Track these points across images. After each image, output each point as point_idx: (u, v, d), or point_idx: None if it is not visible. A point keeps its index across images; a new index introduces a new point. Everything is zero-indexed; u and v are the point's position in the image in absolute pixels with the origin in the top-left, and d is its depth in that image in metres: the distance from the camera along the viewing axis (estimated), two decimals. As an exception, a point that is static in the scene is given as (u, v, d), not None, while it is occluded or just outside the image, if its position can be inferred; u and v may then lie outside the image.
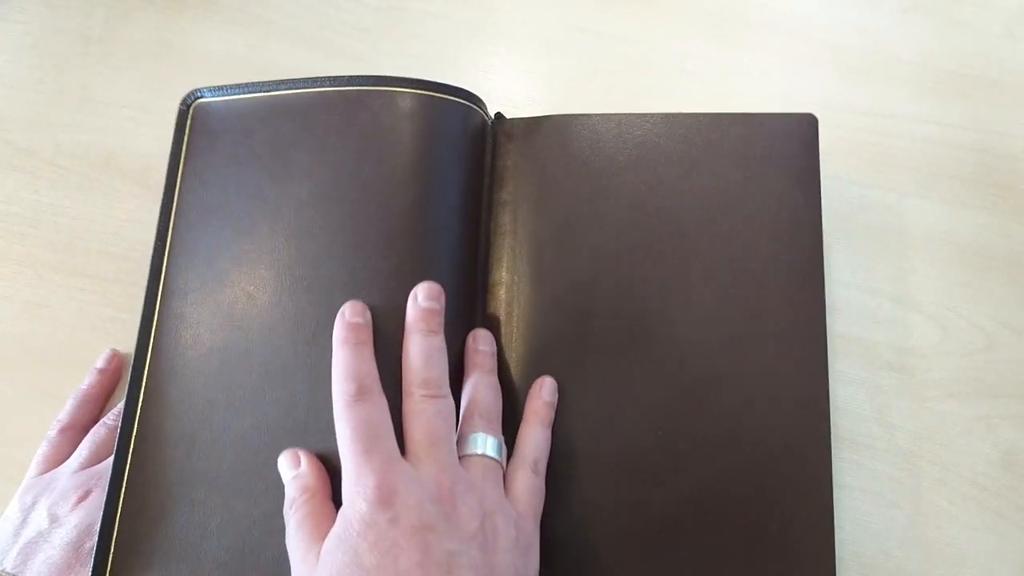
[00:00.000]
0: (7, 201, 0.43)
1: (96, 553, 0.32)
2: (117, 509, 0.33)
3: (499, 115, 0.41)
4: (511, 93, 0.42)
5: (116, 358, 0.40)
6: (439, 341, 0.32)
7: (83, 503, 0.34)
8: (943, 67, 0.48)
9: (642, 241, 0.38)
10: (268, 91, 0.39)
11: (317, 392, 0.33)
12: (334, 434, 0.31)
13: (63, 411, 0.38)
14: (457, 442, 0.32)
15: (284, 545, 0.31)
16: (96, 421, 0.38)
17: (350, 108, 0.37)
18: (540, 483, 0.33)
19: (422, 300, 0.33)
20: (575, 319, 0.37)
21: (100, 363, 0.39)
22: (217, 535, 0.32)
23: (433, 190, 0.36)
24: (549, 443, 0.34)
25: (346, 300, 0.34)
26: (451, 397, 0.32)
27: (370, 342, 0.32)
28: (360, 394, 0.30)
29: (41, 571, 0.32)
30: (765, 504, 0.34)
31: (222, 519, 0.32)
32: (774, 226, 0.37)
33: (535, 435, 0.33)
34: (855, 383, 0.40)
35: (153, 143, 0.42)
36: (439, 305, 0.33)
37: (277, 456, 0.33)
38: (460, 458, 0.31)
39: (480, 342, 0.35)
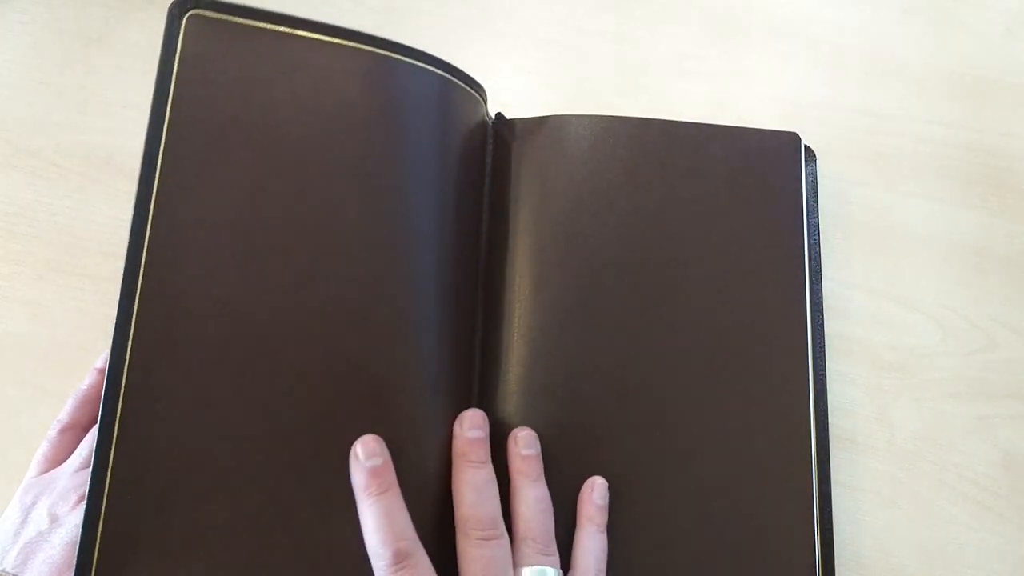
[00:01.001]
0: (7, 201, 0.43)
1: (78, 554, 0.30)
2: (102, 501, 0.30)
3: (499, 115, 0.41)
4: (511, 93, 0.42)
5: None
6: (488, 472, 0.32)
7: (83, 503, 0.34)
8: (943, 67, 0.48)
9: (639, 244, 0.38)
10: (289, 27, 0.34)
11: (332, 384, 0.32)
12: (347, 430, 0.31)
13: (63, 411, 0.38)
14: (514, 570, 0.31)
15: (300, 546, 0.30)
16: (96, 421, 0.38)
17: (378, 73, 0.35)
18: None
19: (467, 431, 0.32)
20: (575, 322, 0.37)
21: (100, 363, 0.39)
22: (220, 533, 0.30)
23: (444, 184, 0.36)
24: (606, 549, 0.33)
25: (366, 297, 0.33)
26: (506, 535, 0.31)
27: (395, 484, 0.30)
28: (398, 561, 0.29)
29: (41, 571, 0.32)
30: (748, 501, 0.35)
31: (229, 515, 0.30)
32: (758, 239, 0.39)
33: (593, 545, 0.33)
34: (855, 383, 0.40)
35: (153, 143, 0.42)
36: (484, 433, 0.33)
37: (289, 451, 0.31)
38: None
39: (522, 445, 0.34)
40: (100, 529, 0.30)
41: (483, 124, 0.39)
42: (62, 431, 0.37)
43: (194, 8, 0.34)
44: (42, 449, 0.37)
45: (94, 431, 0.37)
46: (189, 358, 0.31)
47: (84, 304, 0.41)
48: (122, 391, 0.31)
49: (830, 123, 0.46)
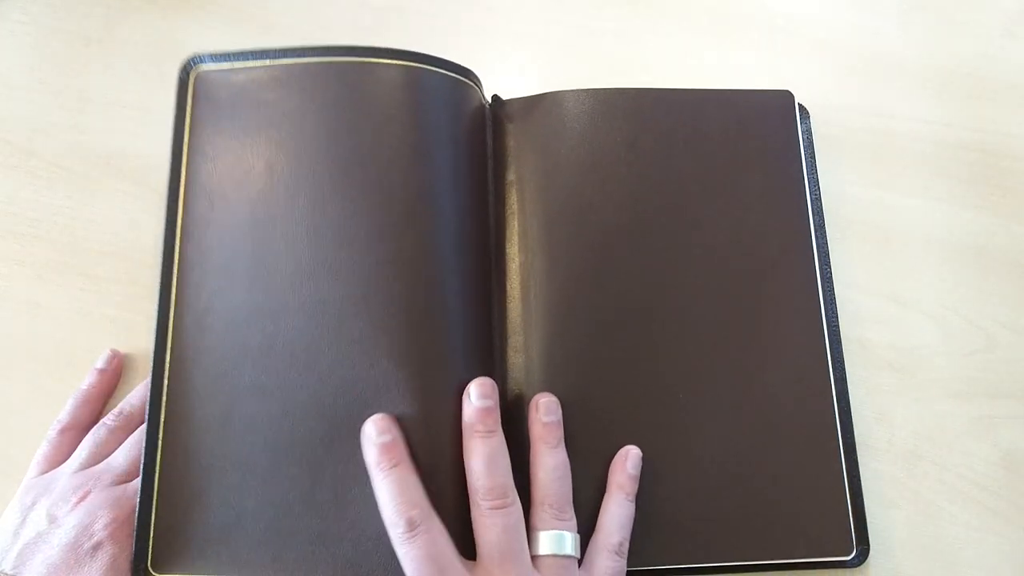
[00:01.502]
0: (7, 201, 0.43)
1: (136, 541, 0.33)
2: (153, 495, 0.34)
3: (496, 97, 0.41)
4: (511, 93, 0.42)
5: (116, 358, 0.39)
6: (498, 441, 0.33)
7: (82, 503, 0.34)
8: (943, 67, 0.48)
9: (645, 213, 0.39)
10: (273, 59, 0.38)
11: (344, 373, 0.34)
12: (361, 416, 0.33)
13: (63, 411, 0.38)
14: (529, 535, 0.32)
15: (321, 525, 0.33)
16: (96, 421, 0.38)
17: (361, 79, 0.37)
18: (623, 565, 0.33)
19: (476, 399, 0.33)
20: (590, 294, 0.37)
21: (100, 363, 0.39)
22: (253, 517, 0.33)
23: (445, 173, 0.37)
24: (633, 517, 0.34)
25: (367, 284, 0.34)
26: (518, 502, 0.32)
27: (405, 459, 0.32)
28: (411, 529, 0.30)
29: (40, 572, 0.32)
30: (776, 453, 0.36)
31: (257, 501, 0.33)
32: (761, 195, 0.40)
33: (620, 512, 0.34)
34: (855, 383, 0.40)
35: (153, 143, 0.42)
36: (493, 402, 0.33)
37: (308, 438, 0.33)
38: (533, 557, 0.31)
39: (543, 412, 0.35)
40: (153, 521, 0.34)
41: (481, 108, 0.40)
42: (62, 431, 0.37)
43: (198, 64, 0.38)
44: (42, 450, 0.37)
45: (93, 432, 0.37)
46: (215, 364, 0.35)
47: (84, 304, 0.41)
48: (163, 400, 0.35)
49: (830, 122, 0.46)
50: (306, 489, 0.33)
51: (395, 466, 0.32)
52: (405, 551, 0.30)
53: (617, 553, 0.33)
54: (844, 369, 0.39)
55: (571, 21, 0.49)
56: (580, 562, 0.33)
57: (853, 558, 0.35)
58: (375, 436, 0.32)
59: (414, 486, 0.31)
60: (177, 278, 0.36)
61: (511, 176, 0.39)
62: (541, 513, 0.32)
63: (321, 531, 0.33)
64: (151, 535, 0.33)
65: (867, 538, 0.36)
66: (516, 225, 0.39)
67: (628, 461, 0.35)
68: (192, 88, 0.38)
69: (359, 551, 0.32)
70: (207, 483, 0.34)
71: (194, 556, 0.33)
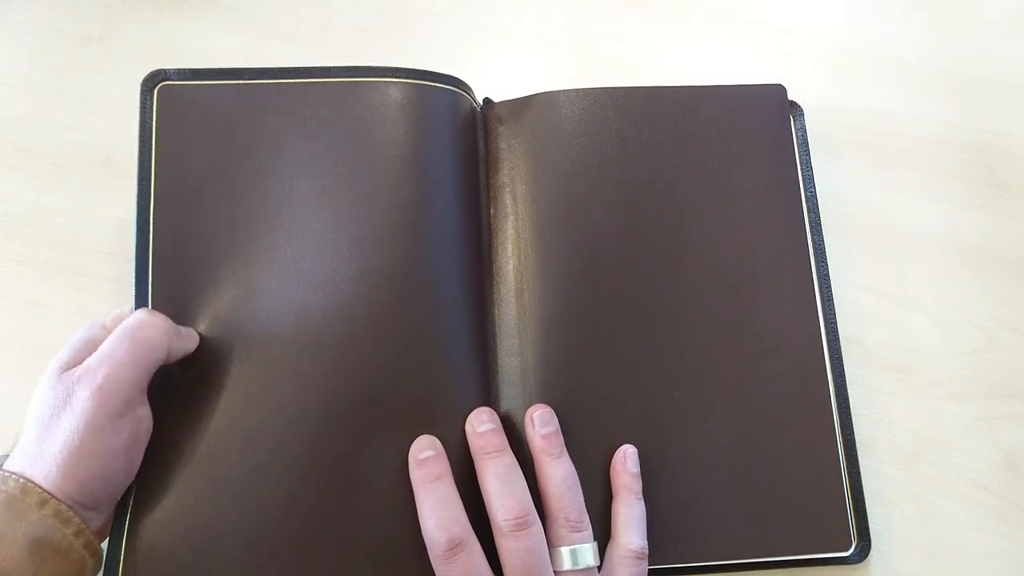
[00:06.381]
0: (7, 201, 0.43)
1: (107, 562, 0.32)
2: (127, 511, 0.32)
3: (487, 100, 0.41)
4: (510, 93, 0.42)
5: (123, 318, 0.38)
6: (509, 459, 0.33)
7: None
8: (943, 67, 0.48)
9: (638, 213, 0.39)
10: (249, 80, 0.38)
11: (326, 389, 0.33)
12: (342, 435, 0.33)
13: (62, 353, 0.34)
14: (548, 551, 0.32)
15: (303, 540, 0.32)
16: None
17: (341, 99, 0.37)
18: (645, 566, 0.33)
19: (478, 427, 0.33)
20: (584, 294, 0.37)
21: (108, 321, 0.37)
22: (232, 534, 0.32)
23: (431, 179, 0.37)
24: (645, 515, 0.34)
25: (352, 295, 0.34)
26: (538, 520, 0.31)
27: (446, 474, 0.32)
28: (451, 547, 0.30)
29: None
30: (774, 449, 0.36)
31: (236, 518, 0.32)
32: (755, 192, 0.39)
33: (633, 515, 0.34)
34: (855, 383, 0.40)
35: (153, 143, 0.42)
36: (495, 424, 0.33)
37: (287, 452, 0.33)
38: (556, 573, 0.31)
39: (540, 424, 0.34)
40: (124, 540, 0.32)
41: (471, 112, 0.40)
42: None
43: (163, 81, 0.38)
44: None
45: (88, 327, 0.35)
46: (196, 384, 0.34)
47: (84, 304, 0.41)
48: None
49: (830, 123, 0.46)
50: (284, 504, 0.32)
51: (437, 479, 0.32)
52: (443, 570, 0.30)
53: (639, 558, 0.33)
54: (843, 368, 0.38)
55: (571, 21, 0.49)
56: (599, 567, 0.33)
57: (853, 554, 0.36)
58: (417, 453, 0.32)
59: (455, 503, 0.31)
60: (152, 299, 0.35)
61: (503, 178, 0.39)
62: (558, 529, 0.32)
63: (303, 546, 0.32)
64: (122, 554, 0.32)
65: (868, 535, 0.36)
66: (509, 227, 0.38)
67: (627, 461, 0.35)
68: (156, 104, 0.37)
69: (343, 564, 0.32)
70: (184, 500, 0.32)
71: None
